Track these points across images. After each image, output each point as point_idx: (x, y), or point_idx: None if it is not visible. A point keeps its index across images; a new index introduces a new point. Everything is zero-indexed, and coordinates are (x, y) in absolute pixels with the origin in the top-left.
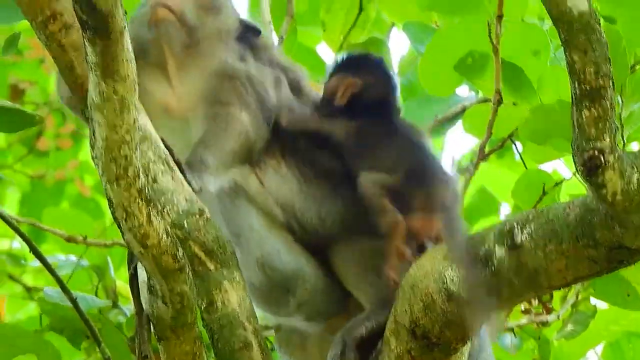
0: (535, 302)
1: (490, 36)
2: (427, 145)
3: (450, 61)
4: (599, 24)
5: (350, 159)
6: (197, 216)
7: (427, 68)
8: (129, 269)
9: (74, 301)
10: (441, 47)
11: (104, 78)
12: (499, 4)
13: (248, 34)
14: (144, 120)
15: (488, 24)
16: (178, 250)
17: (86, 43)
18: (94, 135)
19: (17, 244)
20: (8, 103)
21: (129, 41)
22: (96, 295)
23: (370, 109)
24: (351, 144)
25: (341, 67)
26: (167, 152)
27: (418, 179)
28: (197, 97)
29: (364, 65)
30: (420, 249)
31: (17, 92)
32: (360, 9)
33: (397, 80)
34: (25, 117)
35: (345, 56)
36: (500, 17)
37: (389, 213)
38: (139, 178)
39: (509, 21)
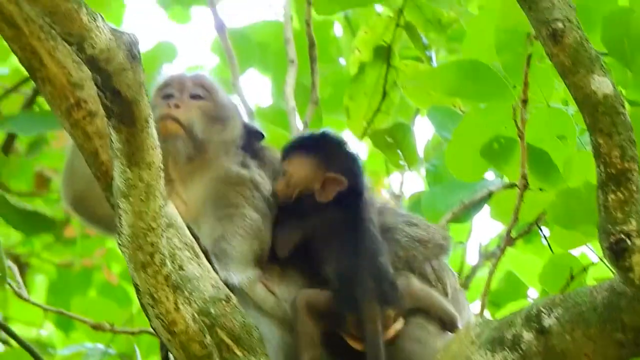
0: None
1: (515, 121)
2: (381, 246)
3: (476, 146)
4: (624, 107)
5: (306, 257)
6: (224, 302)
7: (453, 153)
8: (161, 355)
9: None
10: (467, 132)
11: (130, 165)
12: (524, 89)
13: (251, 138)
14: (169, 207)
15: (513, 108)
16: (205, 337)
17: (111, 130)
18: (120, 222)
19: (45, 331)
20: (28, 206)
21: (154, 128)
22: None
23: (341, 199)
24: (315, 245)
25: (313, 153)
26: (193, 239)
27: (350, 301)
28: (205, 202)
29: (344, 159)
30: None
31: (42, 181)
32: (384, 95)
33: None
34: (44, 221)
35: (324, 143)
36: (525, 102)
37: (301, 334)
38: (165, 265)
39: (535, 106)
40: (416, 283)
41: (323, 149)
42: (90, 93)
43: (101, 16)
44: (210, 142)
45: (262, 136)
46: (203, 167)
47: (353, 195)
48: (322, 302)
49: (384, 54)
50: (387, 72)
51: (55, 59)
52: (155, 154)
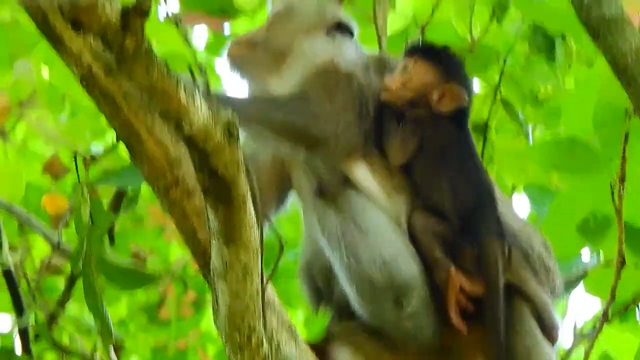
0: None
1: (612, 198)
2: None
3: (572, 223)
4: None
5: (416, 177)
6: None
7: (550, 230)
8: None
9: None
10: (563, 208)
11: (227, 244)
12: (622, 166)
13: (338, 31)
14: (267, 286)
15: (611, 185)
16: None
17: (208, 209)
18: (217, 302)
19: None
20: (130, 263)
21: (252, 207)
22: None
23: (450, 118)
24: (420, 162)
25: (438, 62)
26: (291, 323)
27: (470, 233)
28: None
29: (463, 74)
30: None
31: (138, 261)
32: None
33: None
34: (146, 277)
35: (448, 56)
36: (622, 178)
37: (441, 265)
38: (262, 346)
39: (632, 182)
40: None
41: (449, 60)
42: (188, 171)
43: (199, 94)
44: (280, 38)
45: (352, 32)
46: (289, 58)
47: (465, 119)
48: (439, 231)
49: (480, 129)
50: (484, 147)
51: (153, 136)
52: (253, 232)
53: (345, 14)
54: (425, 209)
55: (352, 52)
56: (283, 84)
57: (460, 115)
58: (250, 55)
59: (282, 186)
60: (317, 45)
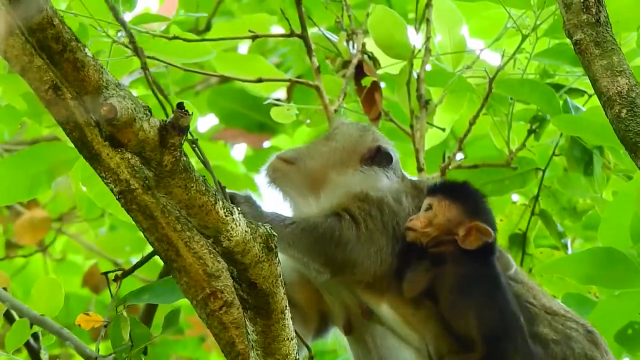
0: None
1: None
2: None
3: (611, 332)
4: None
5: (442, 307)
6: None
7: None
8: None
9: None
10: (602, 318)
11: (266, 357)
12: None
13: (378, 158)
14: None
15: None
16: None
17: (247, 322)
18: None
19: None
20: None
21: (291, 319)
22: None
23: (479, 253)
24: (451, 296)
25: (463, 200)
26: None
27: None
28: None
29: (486, 209)
30: None
31: None
32: None
33: None
34: None
35: (470, 192)
36: None
37: None
38: None
39: None
40: None
41: (472, 197)
42: (226, 283)
43: (238, 209)
44: (322, 161)
45: (391, 159)
46: (326, 183)
47: (491, 251)
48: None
49: (519, 241)
50: (522, 259)
51: (191, 250)
52: (291, 345)
53: (385, 140)
54: (452, 337)
55: (384, 181)
56: (315, 209)
57: (486, 248)
58: (288, 173)
59: (320, 316)
60: (349, 178)
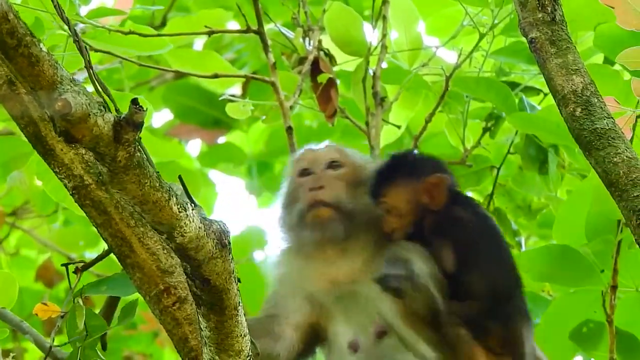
0: None
1: (604, 306)
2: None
3: (565, 330)
4: None
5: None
6: None
7: (543, 337)
8: None
9: None
10: (556, 316)
11: (219, 353)
12: (614, 275)
13: None
14: None
15: (602, 294)
16: None
17: (200, 318)
18: None
19: None
20: None
21: (244, 315)
22: None
23: (452, 199)
24: (452, 254)
25: (400, 175)
26: None
27: (497, 312)
28: (363, 267)
29: (426, 163)
30: None
31: None
32: None
33: None
34: None
35: (398, 162)
36: (614, 287)
37: (466, 343)
38: None
39: (624, 291)
40: None
41: (404, 165)
42: (180, 279)
43: (192, 204)
44: (361, 209)
45: None
46: (360, 237)
47: (459, 193)
48: (467, 313)
49: None
50: None
51: (145, 246)
52: (244, 341)
53: None
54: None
55: None
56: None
57: (455, 194)
58: (336, 221)
59: (315, 334)
60: None
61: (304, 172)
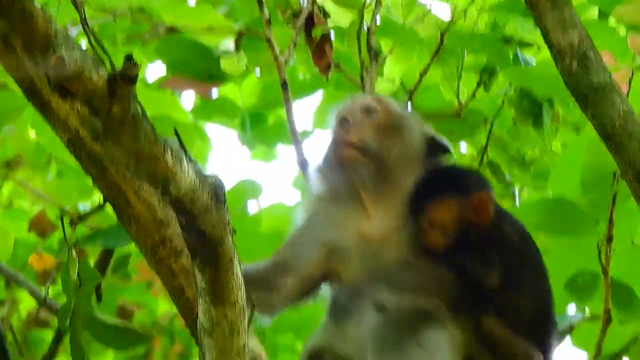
0: None
1: (599, 258)
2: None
3: (560, 280)
4: None
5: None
6: None
7: None
8: None
9: None
10: (551, 266)
11: (214, 304)
12: (609, 228)
13: (435, 150)
14: (253, 342)
15: (598, 245)
16: None
17: (195, 270)
18: (204, 359)
19: None
20: (119, 321)
21: (239, 267)
22: None
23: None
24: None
25: (447, 191)
26: None
27: (539, 329)
28: (394, 224)
29: (468, 175)
30: None
31: (125, 314)
32: None
33: None
34: (135, 335)
35: (448, 173)
36: (610, 239)
37: (530, 354)
38: None
39: (619, 243)
40: None
41: (449, 180)
42: (175, 231)
43: (187, 157)
44: (390, 156)
45: (447, 150)
46: (391, 185)
47: (498, 208)
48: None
49: None
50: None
51: (140, 198)
52: (240, 293)
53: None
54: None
55: None
56: (376, 207)
57: (496, 208)
58: (362, 164)
59: (320, 281)
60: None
61: (343, 121)
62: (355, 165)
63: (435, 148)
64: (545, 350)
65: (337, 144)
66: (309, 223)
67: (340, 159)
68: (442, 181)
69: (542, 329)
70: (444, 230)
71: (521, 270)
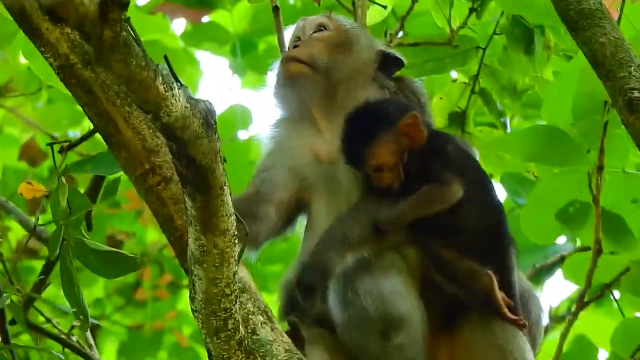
0: None
1: (590, 187)
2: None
3: (551, 210)
4: None
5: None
6: None
7: (529, 217)
8: None
9: None
10: (543, 196)
11: (204, 232)
12: (600, 156)
13: (389, 64)
14: (242, 272)
15: (589, 174)
16: None
17: (186, 197)
18: (193, 288)
19: None
20: (109, 249)
21: (229, 195)
22: None
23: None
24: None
25: (377, 122)
26: (267, 307)
27: (491, 246)
28: None
29: (392, 104)
30: None
31: (114, 244)
32: None
33: None
34: (126, 261)
35: (362, 114)
36: (600, 168)
37: (478, 272)
38: (238, 330)
39: (610, 171)
40: None
41: (376, 116)
42: (165, 159)
43: (178, 84)
44: (338, 69)
45: (402, 63)
46: (342, 100)
47: (430, 127)
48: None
49: (458, 119)
50: (462, 137)
51: (130, 125)
52: (230, 221)
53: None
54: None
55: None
56: (328, 124)
57: (431, 130)
58: (310, 78)
59: (296, 208)
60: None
61: (296, 40)
62: (302, 79)
63: (388, 62)
64: (502, 269)
65: (285, 60)
66: (273, 148)
67: (287, 73)
68: (364, 124)
69: (494, 247)
70: (390, 168)
71: (468, 183)
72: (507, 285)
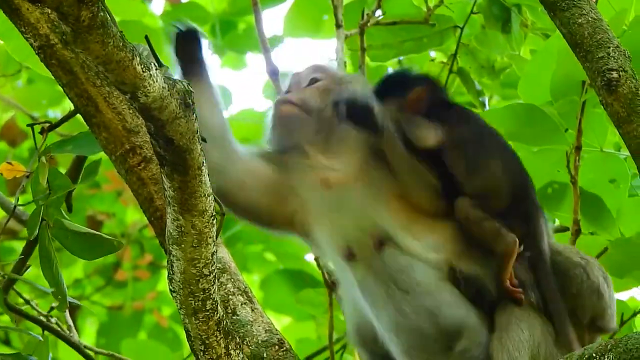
0: None
1: (568, 167)
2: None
3: None
4: None
5: (453, 173)
6: (277, 347)
7: None
8: None
9: None
10: None
11: (182, 213)
12: (578, 136)
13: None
14: (222, 253)
15: (567, 154)
16: None
17: (164, 178)
18: (172, 269)
19: None
20: (89, 230)
21: (207, 175)
22: None
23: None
24: (452, 156)
25: (389, 89)
26: (247, 287)
27: (518, 208)
28: (354, 168)
29: (394, 79)
30: None
31: (94, 224)
32: None
33: None
34: (105, 243)
35: (387, 81)
36: (579, 147)
37: (503, 235)
38: (217, 311)
39: (588, 151)
40: None
41: (388, 89)
42: (145, 139)
43: (157, 62)
44: (332, 109)
45: None
46: (340, 133)
47: (443, 99)
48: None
49: None
50: None
51: (110, 105)
52: (208, 201)
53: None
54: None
55: None
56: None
57: (437, 97)
58: (301, 119)
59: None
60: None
61: (287, 88)
62: (294, 120)
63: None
64: (531, 234)
65: (278, 103)
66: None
67: (279, 115)
68: (384, 92)
69: (521, 210)
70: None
71: (486, 151)
72: (537, 251)
